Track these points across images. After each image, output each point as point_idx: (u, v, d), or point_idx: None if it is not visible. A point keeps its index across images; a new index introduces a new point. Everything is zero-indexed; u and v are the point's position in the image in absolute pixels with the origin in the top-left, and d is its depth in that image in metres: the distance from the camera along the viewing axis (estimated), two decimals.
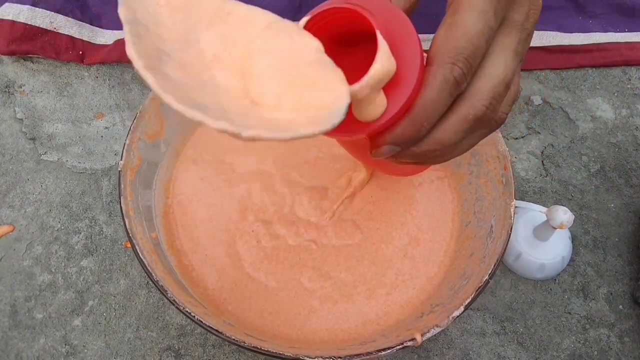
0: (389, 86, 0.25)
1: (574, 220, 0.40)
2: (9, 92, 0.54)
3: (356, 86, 0.24)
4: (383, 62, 0.24)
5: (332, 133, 0.24)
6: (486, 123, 0.26)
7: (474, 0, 0.24)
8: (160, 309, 0.43)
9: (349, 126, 0.25)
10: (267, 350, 0.31)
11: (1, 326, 0.42)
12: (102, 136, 0.52)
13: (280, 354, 0.30)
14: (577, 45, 0.55)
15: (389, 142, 0.26)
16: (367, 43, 0.27)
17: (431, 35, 0.63)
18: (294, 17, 0.53)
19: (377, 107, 0.25)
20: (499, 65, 0.25)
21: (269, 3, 0.55)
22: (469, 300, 0.32)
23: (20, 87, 0.54)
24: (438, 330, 0.31)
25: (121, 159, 0.37)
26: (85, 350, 0.41)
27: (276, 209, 0.41)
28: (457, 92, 0.25)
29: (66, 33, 0.54)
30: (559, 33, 0.56)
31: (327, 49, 0.25)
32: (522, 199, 0.48)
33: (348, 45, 0.29)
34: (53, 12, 0.54)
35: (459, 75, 0.24)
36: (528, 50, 0.28)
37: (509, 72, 0.26)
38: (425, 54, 0.25)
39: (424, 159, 0.27)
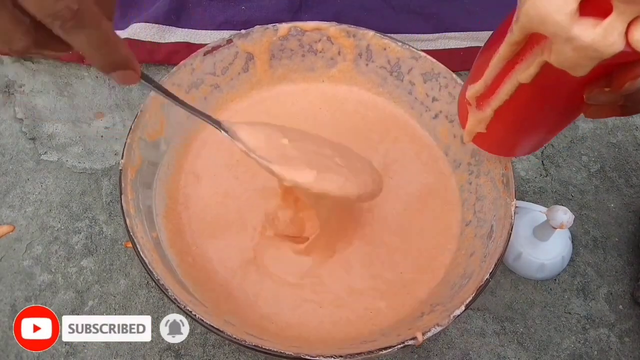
0: None
1: (574, 220, 0.40)
2: (9, 92, 0.54)
3: None
4: None
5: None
6: None
7: None
8: (160, 308, 0.42)
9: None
10: (268, 349, 0.31)
11: (1, 326, 0.42)
12: (102, 136, 0.52)
13: (280, 352, 0.30)
14: None
15: None
16: None
17: (428, 35, 0.62)
18: (294, 17, 0.53)
19: None
20: None
21: (269, 3, 0.55)
22: (469, 299, 0.32)
23: (20, 87, 0.54)
24: (439, 329, 0.31)
25: (122, 158, 0.37)
26: (85, 350, 0.41)
27: (276, 215, 0.41)
28: None
29: None
30: None
31: None
32: (522, 199, 0.48)
33: None
34: None
35: None
36: None
37: None
38: None
39: None
